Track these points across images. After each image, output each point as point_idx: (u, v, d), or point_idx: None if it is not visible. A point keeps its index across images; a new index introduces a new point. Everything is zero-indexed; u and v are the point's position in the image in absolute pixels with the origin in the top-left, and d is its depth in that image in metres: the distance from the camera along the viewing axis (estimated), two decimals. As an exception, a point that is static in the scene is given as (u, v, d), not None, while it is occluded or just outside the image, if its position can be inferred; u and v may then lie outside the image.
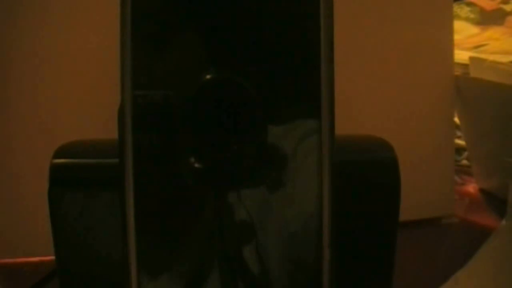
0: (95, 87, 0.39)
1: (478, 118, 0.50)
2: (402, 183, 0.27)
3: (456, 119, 0.50)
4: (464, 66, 0.55)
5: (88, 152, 0.28)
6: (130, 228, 0.22)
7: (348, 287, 0.26)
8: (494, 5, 0.82)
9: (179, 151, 0.23)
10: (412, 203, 0.33)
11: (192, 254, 0.23)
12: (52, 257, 0.27)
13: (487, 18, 0.80)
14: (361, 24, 0.43)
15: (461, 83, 0.48)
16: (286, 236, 0.23)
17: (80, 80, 0.39)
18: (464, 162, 0.57)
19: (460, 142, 0.55)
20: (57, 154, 0.27)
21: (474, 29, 0.79)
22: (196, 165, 0.23)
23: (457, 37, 0.50)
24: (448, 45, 0.46)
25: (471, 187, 0.53)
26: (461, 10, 0.81)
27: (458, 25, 0.69)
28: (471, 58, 0.55)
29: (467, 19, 0.81)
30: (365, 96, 0.44)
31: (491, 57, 0.56)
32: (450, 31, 0.46)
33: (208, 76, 0.22)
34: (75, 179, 0.27)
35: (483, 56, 0.59)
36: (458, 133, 0.54)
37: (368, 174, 0.28)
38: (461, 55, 0.58)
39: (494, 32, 0.77)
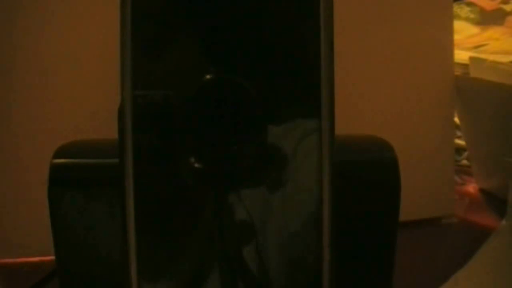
0: (95, 87, 0.39)
1: (478, 118, 0.50)
2: (402, 183, 0.27)
3: (456, 119, 0.50)
4: (464, 66, 0.55)
5: (88, 152, 0.28)
6: (130, 228, 0.22)
7: (348, 287, 0.26)
8: (494, 5, 0.82)
9: (179, 151, 0.23)
10: (412, 203, 0.33)
11: (192, 254, 0.23)
12: (52, 257, 0.27)
13: (487, 18, 0.80)
14: (361, 24, 0.43)
15: (461, 83, 0.48)
16: (286, 236, 0.23)
17: (80, 80, 0.39)
18: (464, 162, 0.57)
19: (460, 142, 0.55)
20: (57, 154, 0.27)
21: (474, 29, 0.79)
22: (196, 165, 0.23)
23: (457, 37, 0.50)
24: (448, 45, 0.46)
25: (471, 187, 0.53)
26: (461, 10, 0.81)
27: (458, 25, 0.69)
28: (471, 58, 0.55)
29: (467, 19, 0.81)
30: (365, 96, 0.44)
31: (491, 57, 0.56)
32: (450, 31, 0.46)
33: (208, 76, 0.22)
34: (75, 179, 0.27)
35: (483, 56, 0.59)
36: (458, 133, 0.54)
37: (368, 174, 0.28)
38: (461, 55, 0.58)
39: (494, 32, 0.77)
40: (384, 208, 0.28)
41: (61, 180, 0.27)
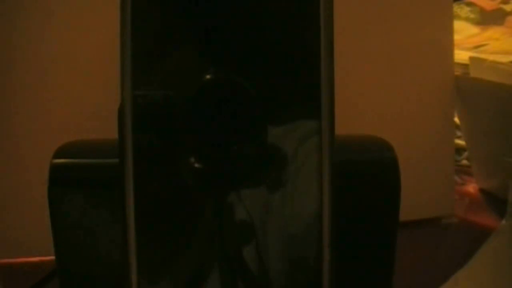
0: (95, 87, 0.39)
1: (478, 118, 0.50)
2: (402, 183, 0.27)
3: (456, 119, 0.50)
4: (464, 66, 0.55)
5: (88, 152, 0.28)
6: (130, 228, 0.22)
7: (348, 287, 0.26)
8: (494, 5, 0.82)
9: (179, 151, 0.23)
10: (412, 203, 0.33)
11: (192, 254, 0.23)
12: (52, 257, 0.27)
13: (487, 18, 0.80)
14: (361, 24, 0.43)
15: (461, 83, 0.48)
16: (286, 236, 0.23)
17: (80, 80, 0.39)
18: (464, 162, 0.57)
19: (460, 142, 0.55)
20: (57, 154, 0.27)
21: (474, 29, 0.78)
22: (196, 165, 0.23)
23: (457, 37, 0.50)
24: (448, 45, 0.46)
25: (471, 187, 0.53)
26: (461, 10, 0.81)
27: (458, 25, 0.69)
28: (471, 58, 0.55)
29: (467, 19, 0.81)
30: (365, 96, 0.44)
31: (491, 57, 0.56)
32: (450, 31, 0.46)
33: (208, 76, 0.22)
34: (75, 179, 0.27)
35: (483, 56, 0.59)
36: (458, 133, 0.54)
37: (368, 174, 0.28)
38: (461, 55, 0.58)
39: (494, 32, 0.77)
40: (384, 208, 0.28)
41: (61, 180, 0.27)
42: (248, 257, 0.23)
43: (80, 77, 0.39)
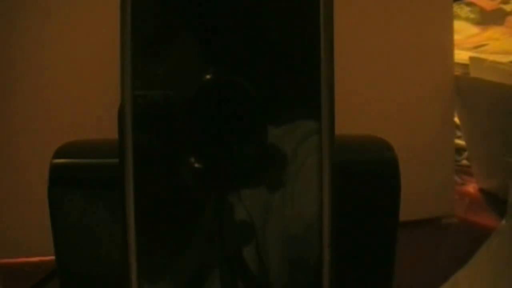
0: (95, 87, 0.39)
1: (478, 118, 0.50)
2: (402, 183, 0.27)
3: (456, 119, 0.50)
4: (464, 66, 0.55)
5: (88, 152, 0.28)
6: (130, 228, 0.22)
7: (348, 287, 0.26)
8: (494, 5, 0.82)
9: (179, 151, 0.23)
10: (412, 203, 0.33)
11: (192, 254, 0.23)
12: (52, 257, 0.27)
13: (487, 18, 0.80)
14: (361, 24, 0.43)
15: (461, 83, 0.48)
16: (286, 236, 0.23)
17: (80, 80, 0.39)
18: (464, 162, 0.57)
19: (460, 142, 0.55)
20: (57, 154, 0.27)
21: (474, 29, 0.79)
22: (196, 165, 0.23)
23: (457, 37, 0.50)
24: (448, 45, 0.46)
25: (471, 187, 0.53)
26: (461, 10, 0.81)
27: (458, 25, 0.69)
28: (471, 58, 0.55)
29: (467, 19, 0.81)
30: (365, 96, 0.44)
31: (491, 57, 0.56)
32: (450, 31, 0.46)
33: (208, 77, 0.22)
34: (75, 179, 0.27)
35: (483, 56, 0.59)
36: (458, 133, 0.54)
37: (368, 174, 0.28)
38: (461, 55, 0.58)
39: (494, 32, 0.77)
40: (384, 208, 0.28)
41: (61, 180, 0.27)
42: (248, 257, 0.23)
43: (80, 77, 0.39)
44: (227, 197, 0.23)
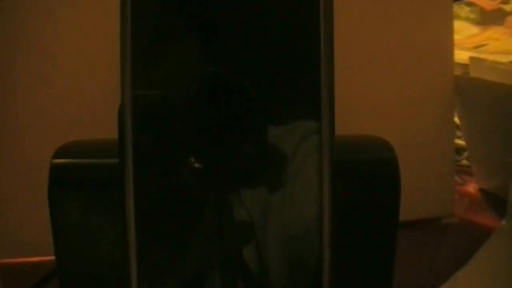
0: (95, 87, 0.39)
1: (478, 118, 0.50)
2: (402, 183, 0.27)
3: (456, 119, 0.50)
4: (464, 66, 0.55)
5: (88, 152, 0.28)
6: (130, 228, 0.22)
7: (348, 287, 0.26)
8: (494, 5, 0.82)
9: (179, 151, 0.23)
10: (412, 203, 0.33)
11: (192, 254, 0.23)
12: (52, 257, 0.27)
13: (487, 18, 0.80)
14: (361, 24, 0.43)
15: (461, 83, 0.48)
16: (286, 236, 0.23)
17: (80, 80, 0.39)
18: (464, 162, 0.57)
19: (460, 142, 0.55)
20: (57, 154, 0.27)
21: (474, 29, 0.78)
22: (196, 165, 0.23)
23: (457, 37, 0.50)
24: (448, 45, 0.46)
25: (471, 187, 0.53)
26: (461, 10, 0.81)
27: (458, 25, 0.69)
28: (471, 58, 0.55)
29: (467, 19, 0.81)
30: (365, 96, 0.44)
31: (491, 57, 0.56)
32: (450, 31, 0.46)
33: (208, 77, 0.22)
34: (75, 179, 0.27)
35: (483, 56, 0.59)
36: (458, 133, 0.54)
37: (368, 174, 0.28)
38: (461, 55, 0.58)
39: (494, 32, 0.77)
40: (384, 208, 0.28)
41: (61, 180, 0.27)
42: (248, 257, 0.23)
43: (80, 77, 0.39)
44: (227, 197, 0.23)
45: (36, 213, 0.31)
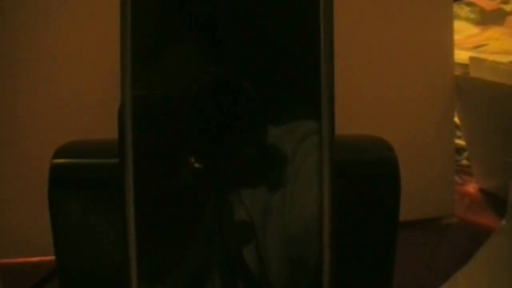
0: (95, 87, 0.39)
1: (478, 118, 0.50)
2: (402, 183, 0.27)
3: (456, 119, 0.50)
4: (464, 66, 0.55)
5: (88, 152, 0.28)
6: (130, 228, 0.22)
7: (348, 287, 0.26)
8: (494, 5, 0.82)
9: (179, 151, 0.23)
10: (412, 203, 0.33)
11: (192, 254, 0.23)
12: (52, 257, 0.27)
13: (487, 18, 0.80)
14: (361, 24, 0.43)
15: (461, 83, 0.48)
16: (286, 236, 0.23)
17: (80, 80, 0.39)
18: (464, 162, 0.57)
19: (460, 142, 0.55)
20: (57, 154, 0.27)
21: (474, 29, 0.78)
22: (196, 165, 0.23)
23: (457, 37, 0.50)
24: (448, 45, 0.46)
25: (471, 187, 0.53)
26: (461, 10, 0.81)
27: (458, 25, 0.69)
28: (471, 58, 0.55)
29: (467, 19, 0.81)
30: (365, 96, 0.44)
31: (491, 57, 0.56)
32: (450, 31, 0.46)
33: (208, 77, 0.22)
34: (75, 179, 0.27)
35: (483, 56, 0.59)
36: (458, 133, 0.54)
37: (368, 174, 0.28)
38: (461, 55, 0.58)
39: (494, 32, 0.77)
40: (384, 208, 0.28)
41: (61, 180, 0.27)
42: (248, 257, 0.23)
43: (80, 77, 0.39)
44: (227, 197, 0.23)
45: (36, 213, 0.31)
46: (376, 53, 0.44)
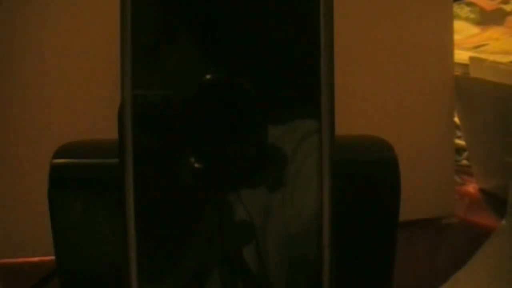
0: (95, 87, 0.39)
1: (478, 118, 0.50)
2: (402, 183, 0.27)
3: (456, 119, 0.50)
4: (464, 66, 0.55)
5: (88, 152, 0.28)
6: (130, 228, 0.22)
7: (348, 287, 0.26)
8: (494, 5, 0.82)
9: (179, 151, 0.23)
10: (412, 203, 0.33)
11: (192, 254, 0.23)
12: (52, 257, 0.27)
13: (487, 18, 0.80)
14: (361, 24, 0.43)
15: (461, 83, 0.48)
16: (286, 236, 0.23)
17: (80, 80, 0.39)
18: (464, 162, 0.57)
19: (460, 142, 0.55)
20: (57, 154, 0.27)
21: (474, 29, 0.78)
22: (196, 165, 0.23)
23: (457, 37, 0.50)
24: (448, 45, 0.46)
25: (471, 187, 0.53)
26: (461, 10, 0.81)
27: (458, 25, 0.69)
28: (471, 58, 0.55)
29: (467, 19, 0.81)
30: (365, 96, 0.44)
31: (491, 57, 0.56)
32: (450, 31, 0.46)
33: (208, 77, 0.22)
34: (75, 179, 0.27)
35: (483, 56, 0.59)
36: (458, 133, 0.54)
37: (368, 174, 0.28)
38: (461, 55, 0.58)
39: (494, 32, 0.77)
40: (384, 208, 0.28)
41: (61, 180, 0.27)
42: (248, 257, 0.23)
43: (80, 77, 0.39)
44: (227, 197, 0.23)
45: (36, 213, 0.31)
46: (376, 53, 0.44)
